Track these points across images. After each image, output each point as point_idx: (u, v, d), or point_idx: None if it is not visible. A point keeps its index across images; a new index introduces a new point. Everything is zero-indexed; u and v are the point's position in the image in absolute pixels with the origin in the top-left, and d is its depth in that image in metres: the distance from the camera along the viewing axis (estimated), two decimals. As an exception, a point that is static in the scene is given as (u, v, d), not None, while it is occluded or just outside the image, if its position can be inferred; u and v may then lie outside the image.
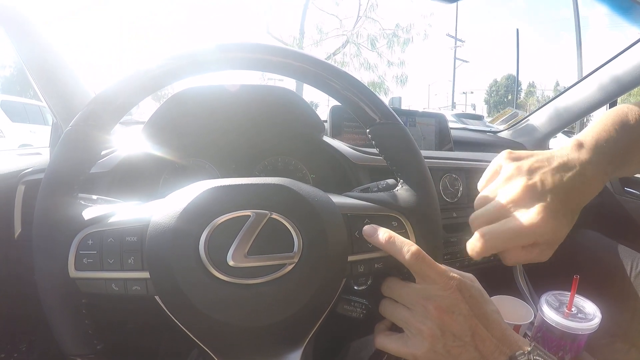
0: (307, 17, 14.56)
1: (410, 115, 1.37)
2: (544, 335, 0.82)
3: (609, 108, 0.65)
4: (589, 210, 1.59)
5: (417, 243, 0.51)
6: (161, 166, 0.86)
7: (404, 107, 1.28)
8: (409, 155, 0.55)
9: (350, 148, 0.90)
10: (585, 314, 0.81)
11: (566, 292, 0.85)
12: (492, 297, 0.92)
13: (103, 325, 0.49)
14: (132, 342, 0.80)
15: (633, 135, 0.56)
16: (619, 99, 1.41)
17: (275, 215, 0.46)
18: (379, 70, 14.40)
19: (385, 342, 0.52)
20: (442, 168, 1.03)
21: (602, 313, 0.81)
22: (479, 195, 0.58)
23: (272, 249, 0.46)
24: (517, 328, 0.88)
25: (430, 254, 0.49)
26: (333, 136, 1.02)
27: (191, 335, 0.46)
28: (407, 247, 0.48)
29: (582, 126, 2.49)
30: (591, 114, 1.57)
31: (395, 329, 0.53)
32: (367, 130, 0.56)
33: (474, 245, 0.53)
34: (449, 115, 6.43)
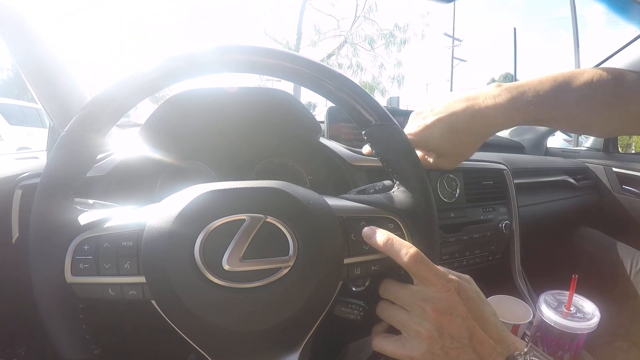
0: (305, 18, 14.56)
1: (408, 115, 1.37)
2: (543, 334, 0.82)
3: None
4: (587, 208, 1.60)
5: (413, 244, 0.51)
6: (158, 169, 0.86)
7: (402, 107, 1.27)
8: (405, 157, 0.55)
9: (347, 149, 0.90)
10: (584, 313, 0.81)
11: (565, 292, 0.85)
12: (490, 297, 0.93)
13: (101, 328, 0.49)
14: (131, 345, 0.80)
15: (564, 93, 0.66)
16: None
17: (270, 219, 0.46)
18: (375, 71, 14.43)
19: (382, 344, 0.52)
20: (439, 168, 1.03)
21: (601, 312, 0.81)
22: None
23: (267, 253, 0.45)
24: (516, 328, 0.88)
25: (428, 255, 0.49)
26: (330, 137, 1.01)
27: (188, 339, 0.46)
28: (406, 249, 0.48)
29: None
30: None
31: (392, 331, 0.53)
32: (363, 132, 0.56)
33: None
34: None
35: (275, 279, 0.45)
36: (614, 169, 1.64)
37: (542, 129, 1.77)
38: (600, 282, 1.24)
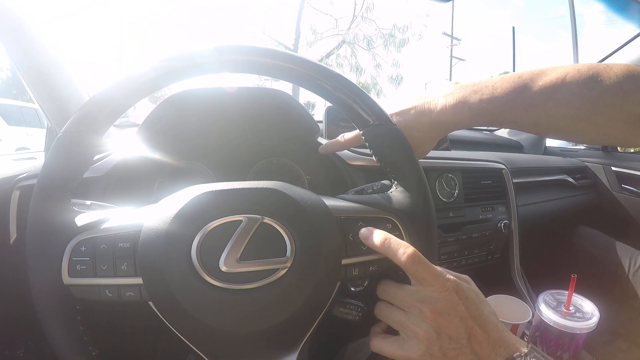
0: (303, 18, 14.56)
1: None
2: (542, 334, 0.82)
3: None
4: (586, 207, 1.60)
5: (412, 244, 0.51)
6: (156, 169, 0.86)
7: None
8: (403, 157, 0.55)
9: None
10: (584, 312, 0.81)
11: (564, 291, 0.85)
12: (490, 297, 0.93)
13: (99, 329, 0.49)
14: (128, 346, 0.80)
15: (526, 93, 0.60)
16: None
17: (267, 220, 0.46)
18: (374, 71, 14.45)
19: (381, 344, 0.52)
20: (438, 168, 1.03)
21: (600, 311, 0.81)
22: None
23: (264, 254, 0.45)
24: (515, 327, 0.88)
25: (426, 255, 0.49)
26: (328, 137, 1.01)
27: (185, 341, 0.46)
28: (403, 249, 0.48)
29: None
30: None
31: (390, 331, 0.53)
32: (361, 132, 0.56)
33: None
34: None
35: (272, 280, 0.45)
36: (613, 168, 1.64)
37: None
38: (599, 281, 1.24)
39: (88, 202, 0.54)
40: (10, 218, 0.70)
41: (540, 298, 0.85)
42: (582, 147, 1.91)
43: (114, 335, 0.70)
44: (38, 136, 8.24)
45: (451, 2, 0.94)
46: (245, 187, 0.49)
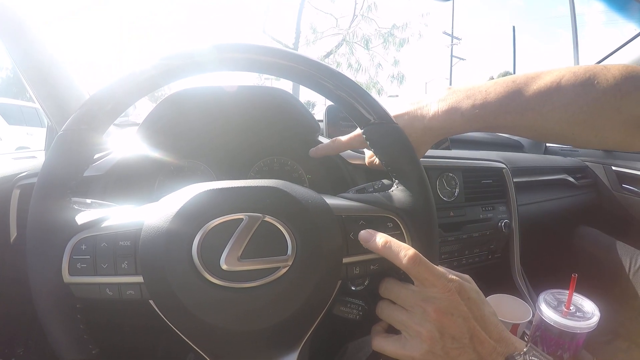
0: (303, 17, 14.56)
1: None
2: (543, 334, 0.82)
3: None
4: (586, 207, 1.60)
5: (412, 244, 0.51)
6: (156, 168, 0.86)
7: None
8: (404, 156, 0.55)
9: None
10: (584, 312, 0.81)
11: (564, 291, 0.84)
12: (490, 296, 0.93)
13: (99, 328, 0.49)
14: (129, 344, 0.80)
15: (520, 97, 0.59)
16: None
17: (268, 218, 0.46)
18: (373, 70, 14.46)
19: (382, 344, 0.52)
20: (438, 167, 1.03)
21: (601, 311, 0.81)
22: None
23: (265, 252, 0.45)
24: (515, 327, 0.88)
25: (427, 255, 0.49)
26: (329, 136, 1.01)
27: (186, 339, 0.46)
28: (404, 251, 0.48)
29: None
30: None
31: (392, 330, 0.53)
32: (362, 131, 0.56)
33: None
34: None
35: (273, 278, 0.45)
36: (614, 168, 1.64)
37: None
38: (599, 281, 1.23)
39: (88, 201, 0.54)
40: (11, 217, 0.70)
41: (541, 297, 0.85)
42: (583, 147, 1.91)
43: (114, 334, 0.70)
44: (38, 135, 8.25)
45: (451, 1, 0.93)
46: (246, 185, 0.48)
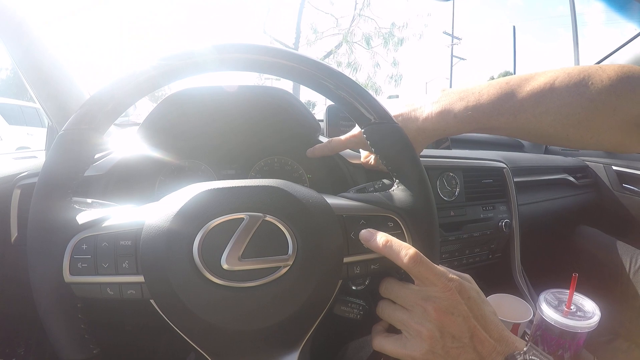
0: (303, 17, 14.56)
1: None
2: (543, 333, 0.82)
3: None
4: (587, 207, 1.60)
5: (413, 244, 0.51)
6: (157, 168, 0.86)
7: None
8: (404, 155, 0.55)
9: (347, 147, 0.90)
10: (585, 312, 0.81)
11: (565, 290, 0.84)
12: (491, 296, 0.93)
13: (100, 327, 0.49)
14: (130, 344, 0.80)
15: (512, 98, 0.59)
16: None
17: (269, 218, 0.46)
18: (372, 69, 14.45)
19: (383, 343, 0.52)
20: (439, 167, 1.03)
21: (601, 311, 0.81)
22: None
23: (266, 252, 0.45)
24: (516, 327, 0.88)
25: (428, 254, 0.49)
26: (329, 136, 1.01)
27: (187, 339, 0.46)
28: (405, 250, 0.48)
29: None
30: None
31: (392, 330, 0.53)
32: (362, 130, 0.56)
33: None
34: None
35: (274, 277, 0.45)
36: (614, 168, 1.64)
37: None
38: (600, 281, 1.23)
39: (89, 201, 0.54)
40: (11, 216, 0.70)
41: (542, 297, 0.85)
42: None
43: (115, 334, 0.70)
44: (38, 135, 8.25)
45: (451, 1, 0.94)
46: (247, 185, 0.48)
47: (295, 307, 0.45)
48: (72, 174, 0.47)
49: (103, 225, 0.47)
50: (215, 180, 0.50)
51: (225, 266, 0.44)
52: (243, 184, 0.48)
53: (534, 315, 0.89)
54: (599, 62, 1.48)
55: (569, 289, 0.82)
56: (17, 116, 8.93)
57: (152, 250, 0.44)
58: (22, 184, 0.71)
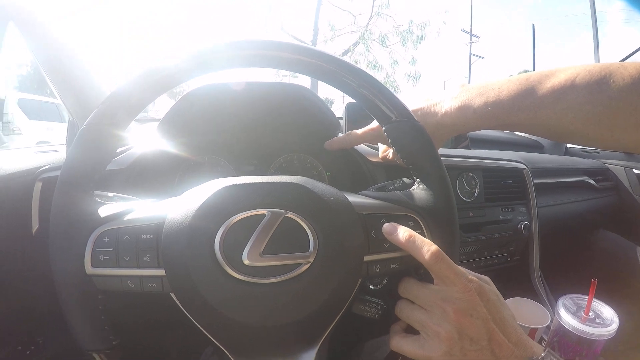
0: (321, 14, 14.54)
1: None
2: (560, 339, 0.81)
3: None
4: (607, 210, 1.58)
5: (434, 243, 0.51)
6: (177, 163, 0.86)
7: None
8: (425, 154, 0.54)
9: (366, 145, 0.90)
10: (603, 319, 0.79)
11: (584, 296, 0.83)
12: (508, 299, 0.92)
13: (115, 322, 0.49)
14: (146, 338, 0.80)
15: (532, 95, 0.58)
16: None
17: (290, 214, 0.46)
18: (391, 67, 14.38)
19: (400, 343, 0.52)
20: (458, 167, 1.02)
21: (620, 318, 0.79)
22: None
23: (287, 248, 0.45)
24: (533, 332, 0.87)
25: (448, 254, 0.48)
26: (348, 134, 1.01)
27: (206, 333, 0.46)
28: (427, 246, 0.47)
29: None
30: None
31: (410, 330, 0.52)
32: (383, 128, 0.55)
33: None
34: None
35: (295, 274, 0.45)
36: (635, 171, 1.61)
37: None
38: (618, 286, 1.21)
39: (110, 194, 0.54)
40: (33, 209, 0.71)
41: (560, 302, 0.84)
42: (604, 149, 1.88)
43: (131, 328, 0.71)
44: (58, 130, 8.36)
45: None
46: (268, 181, 0.49)
47: (315, 304, 0.45)
48: (94, 168, 0.48)
49: (125, 219, 0.47)
50: (235, 176, 0.50)
51: (246, 262, 0.44)
52: (265, 180, 0.48)
53: (551, 320, 0.88)
54: (624, 60, 1.46)
55: (587, 294, 0.81)
56: (37, 111, 9.05)
57: (173, 244, 0.44)
58: (44, 177, 0.72)
